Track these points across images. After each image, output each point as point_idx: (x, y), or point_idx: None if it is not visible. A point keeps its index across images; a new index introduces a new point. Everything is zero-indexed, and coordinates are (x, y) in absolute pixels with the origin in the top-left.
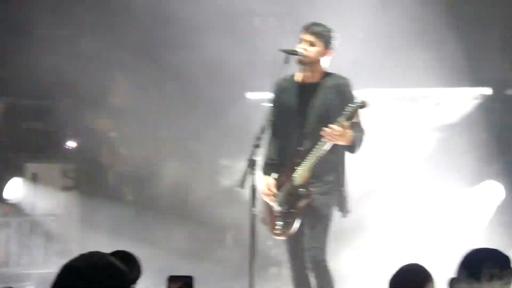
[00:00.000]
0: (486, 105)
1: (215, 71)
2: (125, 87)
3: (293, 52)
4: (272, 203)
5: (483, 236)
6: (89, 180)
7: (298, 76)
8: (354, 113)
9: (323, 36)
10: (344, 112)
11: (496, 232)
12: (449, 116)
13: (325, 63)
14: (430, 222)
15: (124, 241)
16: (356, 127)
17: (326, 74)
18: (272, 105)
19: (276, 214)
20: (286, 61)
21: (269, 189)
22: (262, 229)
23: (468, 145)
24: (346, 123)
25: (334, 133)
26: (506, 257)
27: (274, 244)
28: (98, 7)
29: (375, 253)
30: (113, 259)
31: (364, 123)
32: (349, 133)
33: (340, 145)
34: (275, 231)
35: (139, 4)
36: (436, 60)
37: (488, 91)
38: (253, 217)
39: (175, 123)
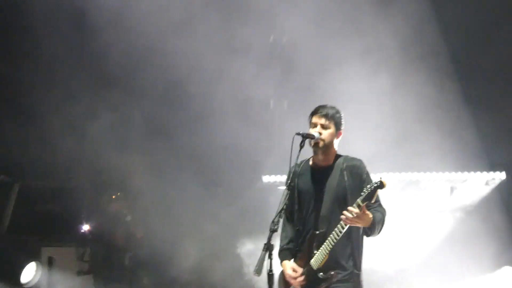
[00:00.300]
0: (501, 189)
1: (232, 154)
2: (141, 169)
3: (309, 136)
4: (296, 285)
5: None
6: (105, 264)
7: (312, 160)
8: (373, 194)
9: (334, 118)
10: (362, 193)
11: None
12: (465, 200)
13: (336, 145)
14: None
15: None
16: (375, 208)
17: (339, 156)
18: (287, 190)
19: None
20: (302, 145)
21: (295, 271)
22: None
23: (485, 230)
24: (362, 204)
25: (353, 216)
26: None
27: None
28: (118, 88)
29: None
30: None
31: (384, 204)
32: (368, 215)
33: (358, 229)
34: None
35: (155, 84)
36: (451, 145)
37: (502, 175)
38: None
39: (192, 206)
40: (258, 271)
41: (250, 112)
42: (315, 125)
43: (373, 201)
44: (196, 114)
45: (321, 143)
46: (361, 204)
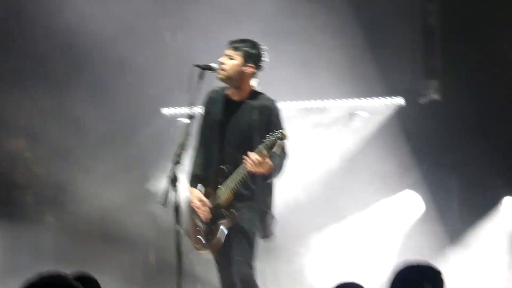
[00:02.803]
0: (400, 114)
1: (129, 87)
2: (33, 105)
3: (207, 67)
4: (201, 215)
5: (404, 246)
6: (6, 201)
7: (227, 91)
8: (273, 144)
9: (242, 50)
10: (264, 141)
11: (417, 241)
12: (364, 126)
13: (252, 81)
14: (354, 233)
15: (46, 264)
16: (277, 156)
17: (253, 94)
18: (202, 115)
19: (199, 229)
20: (201, 77)
21: (200, 201)
22: (187, 247)
23: (386, 155)
24: (265, 152)
25: (253, 162)
26: (437, 272)
27: (200, 261)
28: None
29: (302, 268)
30: (72, 280)
31: (287, 147)
32: (268, 162)
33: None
34: (196, 246)
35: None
36: (348, 71)
37: (400, 100)
38: (177, 235)
39: (92, 142)
40: (164, 203)
41: (145, 45)
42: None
43: (274, 150)
44: (94, 54)
45: (221, 73)
46: (261, 151)
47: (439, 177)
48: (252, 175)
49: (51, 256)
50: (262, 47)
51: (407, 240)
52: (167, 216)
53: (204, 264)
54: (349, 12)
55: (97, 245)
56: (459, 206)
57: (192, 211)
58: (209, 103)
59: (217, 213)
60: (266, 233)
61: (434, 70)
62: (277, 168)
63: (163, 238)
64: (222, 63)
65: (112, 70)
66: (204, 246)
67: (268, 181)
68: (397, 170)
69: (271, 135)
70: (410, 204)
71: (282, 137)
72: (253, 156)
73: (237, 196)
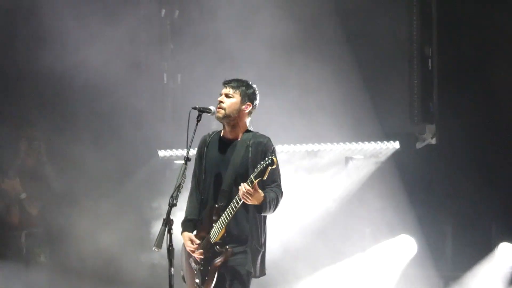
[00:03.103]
0: (395, 158)
1: (126, 128)
2: (29, 145)
3: (206, 110)
4: (196, 256)
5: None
6: (0, 242)
7: (222, 132)
8: (264, 171)
9: (240, 89)
10: (255, 170)
11: (411, 285)
12: (360, 170)
13: (246, 119)
14: (349, 276)
15: None
16: (272, 188)
17: (248, 132)
18: (196, 160)
19: (195, 271)
20: (199, 119)
21: (193, 243)
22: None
23: (380, 198)
24: (255, 181)
25: (246, 192)
26: None
27: None
28: None
29: None
30: None
31: (283, 185)
32: (260, 193)
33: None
34: None
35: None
36: (344, 115)
37: (396, 144)
38: (170, 277)
39: (87, 182)
40: (158, 245)
41: (143, 87)
42: (220, 95)
43: (265, 178)
44: (89, 89)
45: (221, 112)
46: (253, 180)
47: (434, 221)
48: (245, 211)
49: None
50: (255, 86)
51: (402, 284)
52: (162, 258)
53: None
54: (345, 56)
55: (90, 285)
56: (453, 250)
57: (188, 256)
58: (204, 147)
59: (211, 252)
60: (259, 273)
61: (431, 114)
62: (270, 201)
63: (157, 279)
64: (221, 102)
65: (110, 111)
66: None
67: (262, 213)
68: (392, 213)
69: (261, 164)
70: (405, 248)
71: (272, 163)
72: (246, 186)
73: (230, 235)
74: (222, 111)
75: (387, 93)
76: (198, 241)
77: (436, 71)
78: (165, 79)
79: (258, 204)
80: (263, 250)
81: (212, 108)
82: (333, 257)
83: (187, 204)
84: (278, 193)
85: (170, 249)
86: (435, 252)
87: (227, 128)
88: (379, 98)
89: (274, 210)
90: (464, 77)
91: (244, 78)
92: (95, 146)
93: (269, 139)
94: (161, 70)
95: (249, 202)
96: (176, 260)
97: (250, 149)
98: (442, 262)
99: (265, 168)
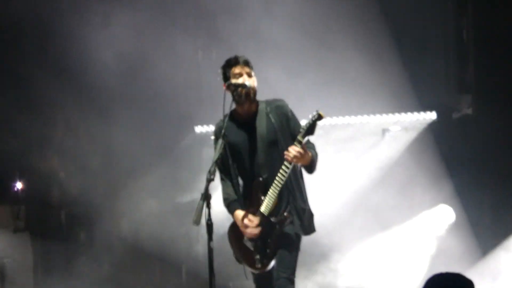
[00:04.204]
0: (433, 129)
1: (162, 106)
2: (67, 126)
3: (241, 86)
4: (251, 232)
5: (437, 258)
6: (41, 221)
7: (235, 112)
8: (313, 127)
9: (252, 67)
10: (301, 130)
11: (449, 254)
12: (397, 142)
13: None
14: (389, 246)
15: (78, 282)
16: (311, 147)
17: (260, 102)
18: (219, 147)
19: (252, 249)
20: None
21: (250, 220)
22: (219, 263)
23: (419, 170)
24: (303, 141)
25: (296, 153)
26: (469, 282)
27: (232, 277)
28: None
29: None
30: None
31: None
32: (308, 153)
33: (295, 168)
34: (257, 266)
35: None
36: (381, 86)
37: (433, 115)
38: (210, 252)
39: (125, 160)
40: (197, 221)
41: (178, 64)
42: (240, 75)
43: (314, 135)
44: (125, 67)
45: (252, 92)
46: (301, 140)
47: (472, 192)
48: (293, 174)
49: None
50: None
51: (440, 253)
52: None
53: (236, 280)
54: (382, 28)
55: (131, 262)
56: (491, 221)
57: (237, 236)
58: (221, 133)
59: (267, 225)
60: (308, 230)
61: (468, 84)
62: (315, 159)
63: (196, 254)
64: (247, 81)
65: (146, 89)
66: (264, 264)
67: (312, 172)
68: (430, 184)
69: (308, 121)
70: (444, 218)
71: (320, 117)
72: (295, 148)
73: (281, 201)
74: (253, 91)
75: (424, 64)
76: (256, 218)
77: (472, 42)
78: (199, 55)
79: (307, 163)
80: (308, 207)
81: (247, 83)
82: (373, 229)
83: (222, 189)
84: (316, 150)
85: (209, 224)
86: (474, 222)
87: (245, 106)
88: (416, 69)
89: (315, 169)
90: (500, 47)
91: (279, 53)
92: (132, 125)
93: (283, 100)
94: (195, 46)
95: (300, 163)
96: (224, 242)
97: (270, 115)
98: (480, 232)
99: (314, 123)
